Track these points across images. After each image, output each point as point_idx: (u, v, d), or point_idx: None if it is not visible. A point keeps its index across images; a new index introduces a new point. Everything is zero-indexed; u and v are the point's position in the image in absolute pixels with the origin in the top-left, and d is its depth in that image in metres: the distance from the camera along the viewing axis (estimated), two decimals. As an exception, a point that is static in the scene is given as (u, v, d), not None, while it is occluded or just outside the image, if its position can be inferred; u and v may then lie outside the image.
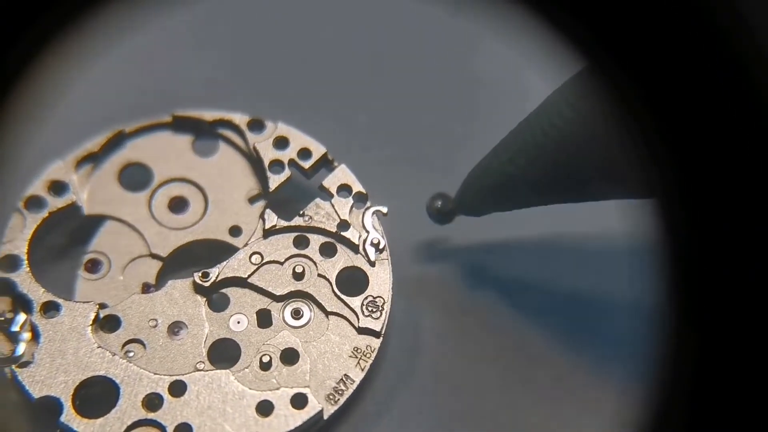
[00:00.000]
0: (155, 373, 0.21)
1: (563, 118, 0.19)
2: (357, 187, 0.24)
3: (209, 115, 0.25)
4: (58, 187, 0.24)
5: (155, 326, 0.22)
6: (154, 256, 0.24)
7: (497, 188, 0.21)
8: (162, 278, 0.23)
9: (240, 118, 0.25)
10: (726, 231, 0.11)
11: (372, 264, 0.23)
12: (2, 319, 0.21)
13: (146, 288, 0.23)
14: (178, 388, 0.21)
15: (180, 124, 0.25)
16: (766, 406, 0.11)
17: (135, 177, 0.25)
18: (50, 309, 0.22)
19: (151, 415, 0.21)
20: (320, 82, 0.27)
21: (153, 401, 0.21)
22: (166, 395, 0.21)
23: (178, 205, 0.25)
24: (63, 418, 0.20)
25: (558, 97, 0.20)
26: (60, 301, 0.22)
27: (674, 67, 0.11)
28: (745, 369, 0.11)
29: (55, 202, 0.23)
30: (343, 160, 0.24)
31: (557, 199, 0.21)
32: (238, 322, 0.22)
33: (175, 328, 0.23)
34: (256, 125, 0.25)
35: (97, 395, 0.21)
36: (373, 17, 0.27)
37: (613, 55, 0.11)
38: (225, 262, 0.23)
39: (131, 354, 0.22)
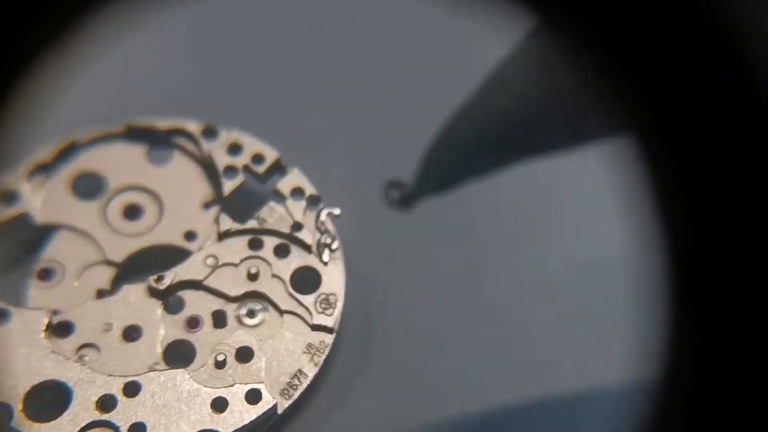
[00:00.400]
0: (109, 375, 0.22)
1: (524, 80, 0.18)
2: (310, 189, 0.25)
3: (163, 124, 0.26)
4: (8, 197, 0.24)
5: (110, 330, 0.23)
6: (109, 263, 0.24)
7: (469, 145, 0.20)
8: (117, 284, 0.24)
9: (194, 126, 0.26)
10: (726, 230, 0.11)
11: (325, 263, 0.24)
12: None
13: (101, 294, 0.23)
14: (132, 389, 0.21)
15: (134, 134, 0.26)
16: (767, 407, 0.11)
17: (89, 186, 0.25)
18: (0, 317, 0.22)
19: (104, 416, 0.21)
20: (273, 88, 0.27)
21: (107, 402, 0.21)
22: (120, 396, 0.21)
23: (132, 212, 0.25)
24: (13, 423, 0.20)
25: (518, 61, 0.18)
26: (10, 308, 0.22)
27: (671, 67, 0.11)
28: (745, 369, 0.11)
29: (6, 212, 0.24)
30: (296, 164, 0.25)
31: (539, 146, 0.19)
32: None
33: (130, 331, 0.23)
34: (210, 133, 0.26)
35: (49, 400, 0.21)
36: (323, 20, 0.28)
37: (613, 55, 0.11)
38: (180, 266, 0.24)
39: (86, 358, 0.22)
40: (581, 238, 0.25)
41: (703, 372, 0.11)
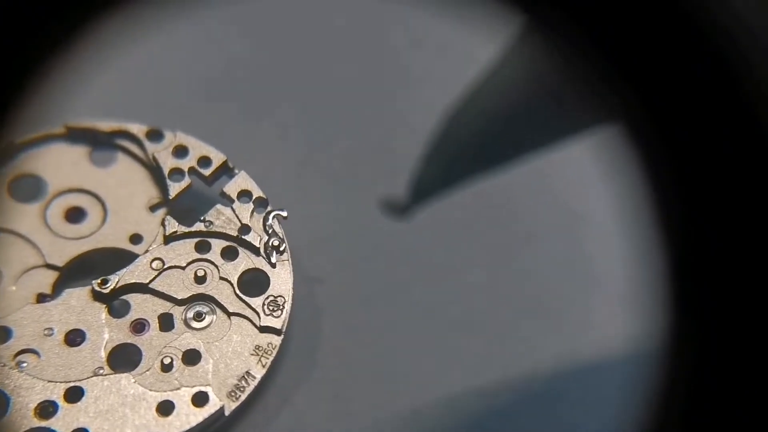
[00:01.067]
0: (49, 381, 0.21)
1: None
2: (257, 192, 0.25)
3: (105, 125, 0.25)
4: (-56, 199, 0.23)
5: (50, 335, 0.22)
6: (49, 267, 0.23)
7: (465, 146, 0.20)
8: (59, 288, 0.23)
9: (138, 128, 0.25)
10: (725, 229, 0.11)
11: (273, 265, 0.24)
12: None
13: (41, 298, 0.23)
14: (74, 395, 0.21)
15: (74, 135, 0.25)
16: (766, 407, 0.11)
17: (28, 188, 0.24)
18: (-66, 321, 0.21)
19: (43, 423, 0.20)
20: (219, 91, 0.27)
21: (46, 409, 0.21)
22: (60, 402, 0.21)
23: (74, 215, 0.24)
24: (-52, 431, 0.20)
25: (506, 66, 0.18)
26: (-55, 313, 0.21)
27: (661, 63, 0.11)
28: (745, 368, 0.11)
29: (-58, 214, 0.23)
30: (243, 167, 0.25)
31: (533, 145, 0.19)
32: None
33: (72, 335, 0.22)
34: (155, 135, 0.25)
35: (-14, 408, 0.20)
36: (270, 22, 0.28)
37: (605, 53, 0.11)
38: (125, 269, 0.23)
39: (24, 364, 0.21)
40: (567, 240, 0.25)
41: (702, 371, 0.11)
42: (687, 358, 0.12)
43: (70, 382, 0.21)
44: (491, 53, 0.19)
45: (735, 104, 0.11)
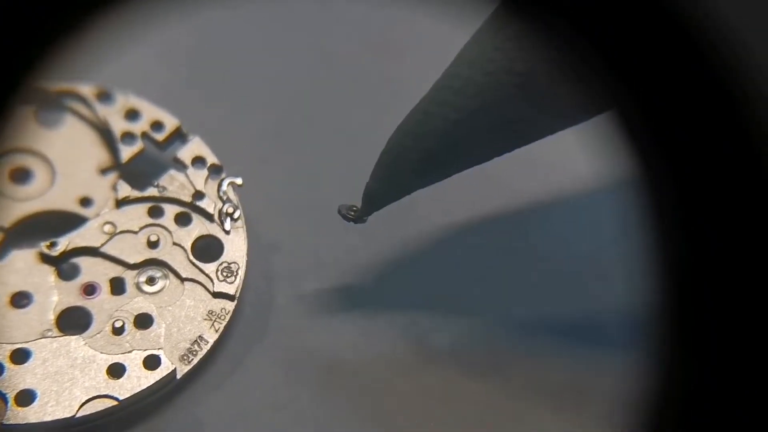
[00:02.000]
0: (-5, 342, 0.21)
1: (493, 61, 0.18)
2: (212, 158, 0.25)
3: (52, 85, 0.25)
4: None
5: (-5, 296, 0.22)
6: (-6, 227, 0.23)
7: (438, 142, 0.19)
8: (4, 249, 0.23)
9: (87, 89, 0.25)
10: (723, 231, 0.11)
11: (227, 232, 0.24)
12: None
13: (-15, 259, 0.22)
14: (20, 356, 0.21)
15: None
16: (764, 410, 0.11)
17: (-28, 147, 0.23)
18: None
19: (-11, 384, 0.20)
20: (174, 53, 0.27)
21: (-8, 370, 0.20)
22: (6, 363, 0.20)
23: (21, 176, 0.24)
24: None
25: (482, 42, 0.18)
26: None
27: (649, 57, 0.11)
28: (741, 371, 0.11)
29: None
30: (197, 133, 0.25)
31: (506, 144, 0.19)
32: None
33: (18, 297, 0.22)
34: (105, 96, 0.25)
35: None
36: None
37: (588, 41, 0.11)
38: (75, 232, 0.23)
39: (-33, 325, 0.21)
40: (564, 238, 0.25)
41: (698, 375, 0.11)
42: (685, 359, 0.12)
43: (15, 343, 0.21)
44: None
45: (731, 103, 0.11)
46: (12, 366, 0.20)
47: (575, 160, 0.20)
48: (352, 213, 0.22)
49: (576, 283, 0.24)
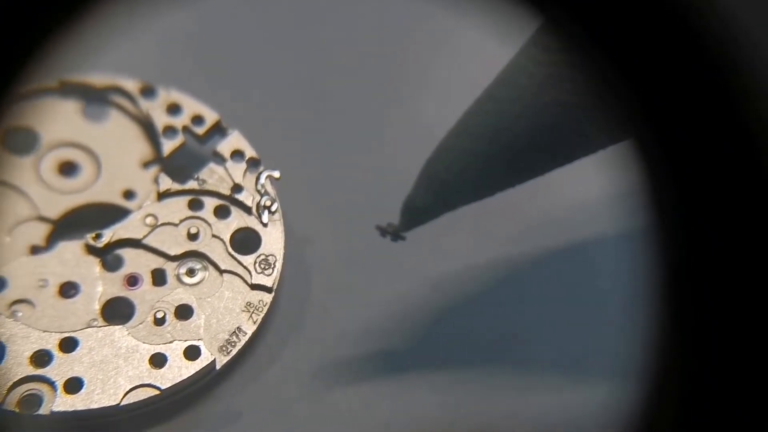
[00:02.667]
0: (44, 331, 0.22)
1: (523, 86, 0.18)
2: (250, 152, 0.25)
3: (99, 80, 0.25)
4: (-63, 149, 0.23)
5: (45, 286, 0.22)
6: (43, 219, 0.24)
7: (471, 169, 0.19)
8: (52, 241, 0.23)
9: (131, 84, 0.25)
10: (723, 232, 0.11)
11: (265, 225, 0.24)
12: None
13: (35, 250, 0.23)
14: (68, 345, 0.21)
15: (68, 90, 0.25)
16: (761, 411, 0.11)
17: (21, 141, 0.24)
18: (-71, 269, 0.21)
19: (39, 371, 0.21)
20: (214, 48, 0.27)
21: (41, 358, 0.21)
22: (55, 351, 0.21)
23: (68, 169, 0.25)
24: (-56, 377, 0.20)
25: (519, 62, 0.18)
26: (-61, 261, 0.22)
27: (669, 74, 0.11)
28: (741, 371, 0.11)
29: (-65, 164, 0.23)
30: (236, 127, 0.25)
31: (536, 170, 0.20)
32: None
33: (66, 287, 0.23)
34: (148, 91, 0.25)
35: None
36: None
37: (613, 61, 0.11)
38: (119, 224, 0.24)
39: (19, 314, 0.22)
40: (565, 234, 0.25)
41: (695, 375, 0.11)
42: (684, 360, 0.12)
43: (64, 332, 0.22)
44: (504, 56, 0.18)
45: (734, 107, 0.11)
46: (60, 354, 0.21)
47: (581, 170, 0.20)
48: (391, 229, 0.21)
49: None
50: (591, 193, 0.23)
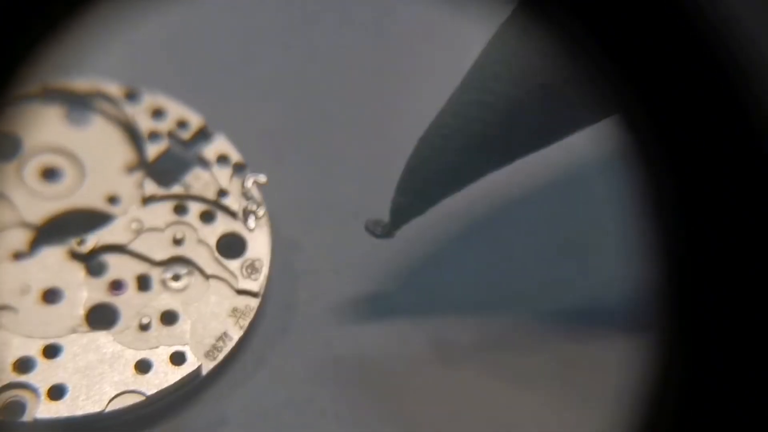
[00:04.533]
0: (27, 337, 0.21)
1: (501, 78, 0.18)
2: (236, 156, 0.25)
3: (81, 85, 0.25)
4: None
5: (27, 292, 0.22)
6: (26, 225, 0.23)
7: (449, 162, 0.19)
8: (35, 246, 0.23)
9: (114, 89, 0.25)
10: (724, 228, 0.11)
11: (251, 229, 0.24)
12: None
13: (18, 256, 0.23)
14: (52, 351, 0.21)
15: (50, 95, 0.25)
16: (760, 412, 0.11)
17: (4, 146, 0.24)
18: None
19: (21, 378, 0.21)
20: (198, 51, 0.27)
21: (24, 364, 0.21)
22: (38, 358, 0.21)
23: (51, 174, 0.24)
24: (-75, 385, 0.20)
25: (492, 54, 0.18)
26: None
27: (662, 62, 0.11)
28: (742, 371, 0.11)
29: None
30: (222, 131, 0.25)
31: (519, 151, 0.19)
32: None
33: (49, 294, 0.22)
34: (132, 95, 0.25)
35: (-37, 361, 0.21)
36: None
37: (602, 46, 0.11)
38: (102, 229, 0.23)
39: (1, 320, 0.22)
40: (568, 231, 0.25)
41: (694, 375, 0.11)
42: (685, 359, 0.12)
43: (48, 338, 0.21)
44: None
45: (734, 103, 0.11)
46: (44, 360, 0.21)
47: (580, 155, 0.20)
48: (380, 229, 0.22)
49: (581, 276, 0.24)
50: (596, 190, 0.23)
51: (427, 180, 0.20)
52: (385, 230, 0.22)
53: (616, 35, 0.11)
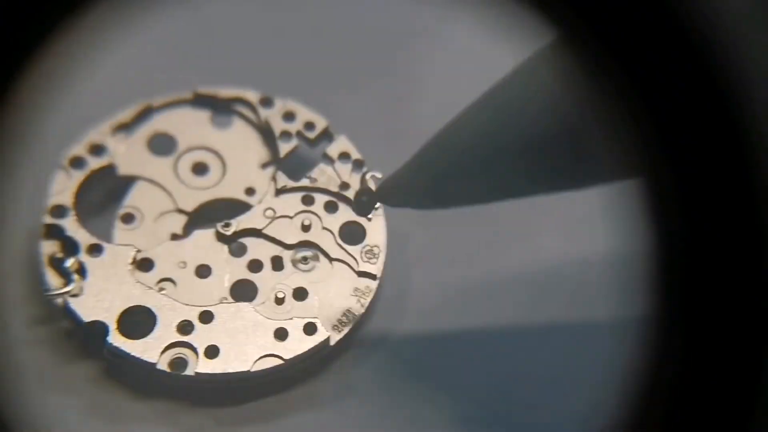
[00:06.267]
0: (186, 304, 0.25)
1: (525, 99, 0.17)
2: (355, 154, 0.28)
3: (225, 92, 0.29)
4: (97, 150, 0.27)
5: (184, 267, 0.26)
6: (180, 211, 0.27)
7: (463, 158, 0.19)
8: (188, 229, 0.27)
9: (253, 96, 0.29)
10: (722, 233, 0.11)
11: (369, 219, 0.27)
12: (56, 258, 0.25)
13: (175, 237, 0.27)
14: (207, 317, 0.25)
15: (200, 100, 0.29)
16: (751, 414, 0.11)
17: (162, 144, 0.28)
18: (95, 250, 0.25)
19: (185, 338, 0.24)
20: (324, 63, 0.31)
21: (186, 327, 0.25)
22: (196, 322, 0.25)
23: (200, 168, 0.28)
24: (110, 339, 0.24)
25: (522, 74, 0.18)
26: (103, 243, 0.26)
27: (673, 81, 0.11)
28: (739, 371, 0.11)
29: (95, 163, 0.27)
30: (343, 132, 0.29)
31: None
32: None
33: (201, 269, 0.26)
34: (267, 102, 0.29)
35: (137, 322, 0.24)
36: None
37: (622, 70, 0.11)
38: (242, 216, 0.27)
39: (164, 290, 0.25)
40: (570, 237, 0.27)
41: (687, 375, 0.12)
42: (681, 359, 0.12)
43: (202, 306, 0.25)
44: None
45: (730, 113, 0.11)
46: (200, 324, 0.25)
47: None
48: (363, 201, 0.24)
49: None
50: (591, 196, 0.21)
51: (419, 180, 0.21)
52: (363, 205, 0.24)
53: (656, 80, 0.11)
